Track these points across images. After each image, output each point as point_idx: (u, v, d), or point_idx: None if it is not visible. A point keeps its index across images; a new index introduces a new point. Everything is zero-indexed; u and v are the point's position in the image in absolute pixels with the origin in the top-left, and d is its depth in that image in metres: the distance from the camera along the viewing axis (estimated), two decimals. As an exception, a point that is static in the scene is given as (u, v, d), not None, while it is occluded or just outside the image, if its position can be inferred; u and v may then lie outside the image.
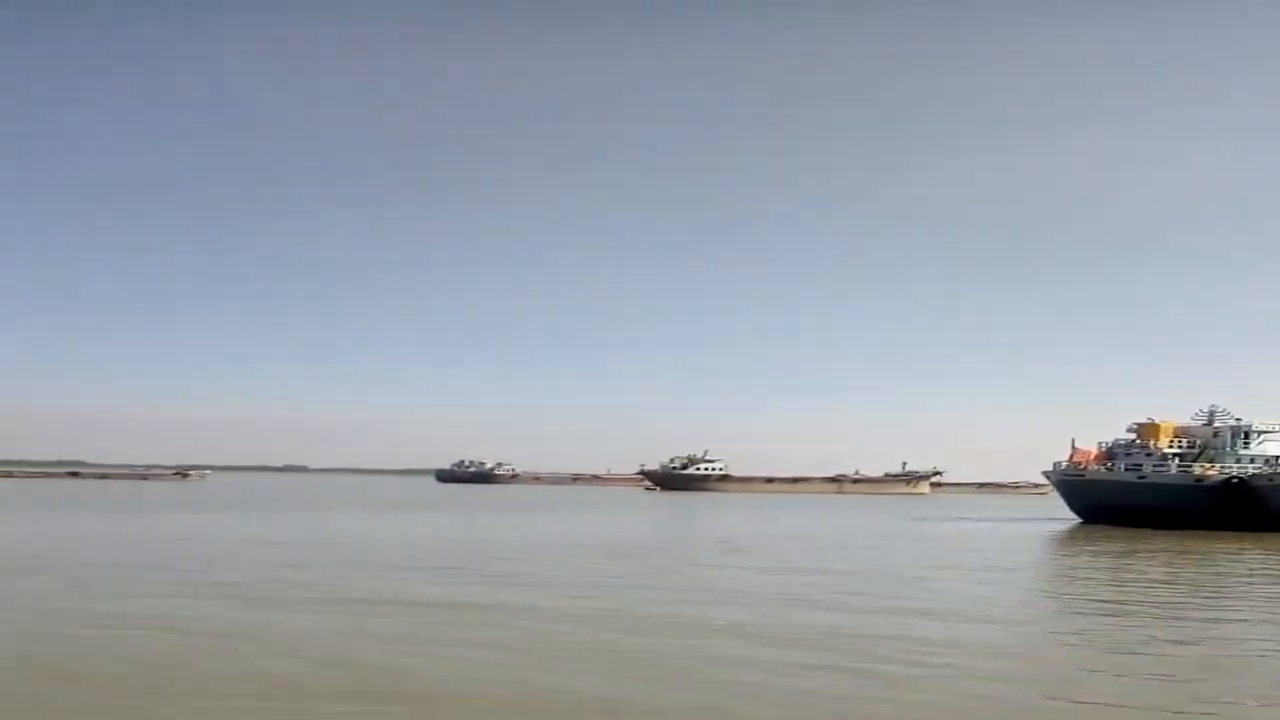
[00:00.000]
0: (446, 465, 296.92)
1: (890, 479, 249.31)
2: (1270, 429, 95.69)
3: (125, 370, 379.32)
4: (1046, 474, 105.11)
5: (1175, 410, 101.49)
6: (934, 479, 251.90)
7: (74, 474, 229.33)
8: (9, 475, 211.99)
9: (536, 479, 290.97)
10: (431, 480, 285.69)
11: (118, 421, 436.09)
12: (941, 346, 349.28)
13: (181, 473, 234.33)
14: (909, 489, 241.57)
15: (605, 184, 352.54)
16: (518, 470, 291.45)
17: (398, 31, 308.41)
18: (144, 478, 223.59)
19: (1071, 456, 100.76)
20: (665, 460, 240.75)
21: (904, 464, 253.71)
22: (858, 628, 26.67)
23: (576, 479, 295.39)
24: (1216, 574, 47.05)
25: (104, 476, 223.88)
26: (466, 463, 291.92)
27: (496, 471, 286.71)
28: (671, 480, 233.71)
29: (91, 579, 34.69)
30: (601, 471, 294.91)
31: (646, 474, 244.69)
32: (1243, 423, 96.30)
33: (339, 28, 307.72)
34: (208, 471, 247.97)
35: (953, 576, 42.41)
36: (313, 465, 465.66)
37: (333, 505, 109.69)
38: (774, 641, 24.16)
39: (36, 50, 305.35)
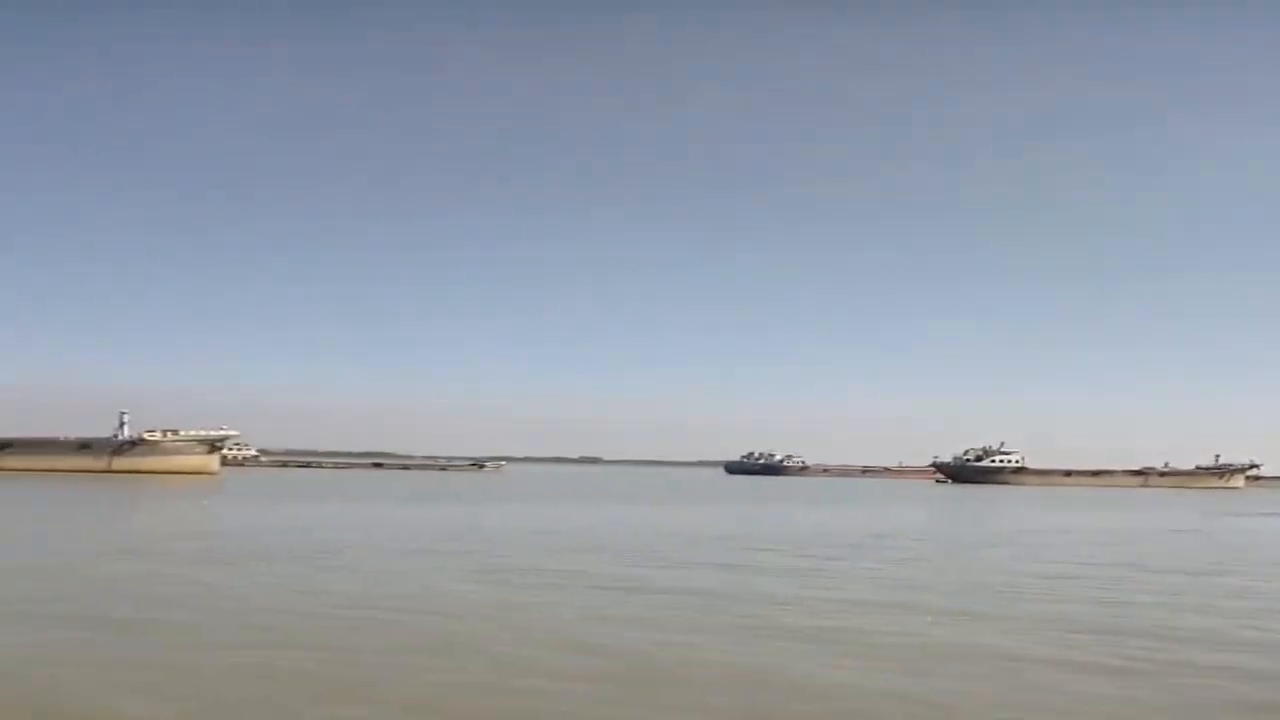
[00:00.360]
0: (735, 457, 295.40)
1: (1201, 472, 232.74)
2: None
3: (433, 372, 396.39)
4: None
5: None
6: (1249, 472, 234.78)
7: (378, 465, 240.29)
8: (319, 466, 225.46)
9: (825, 471, 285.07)
10: (720, 472, 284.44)
11: (422, 416, 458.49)
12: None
13: (479, 464, 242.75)
14: (1221, 483, 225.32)
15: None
16: (807, 462, 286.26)
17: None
18: (443, 469, 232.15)
19: None
20: (959, 452, 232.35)
21: (1217, 456, 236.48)
22: None
23: (866, 471, 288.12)
24: None
25: (405, 468, 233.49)
26: (755, 455, 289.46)
27: (785, 463, 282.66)
28: (964, 473, 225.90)
29: (362, 561, 33.92)
30: (893, 464, 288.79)
31: (938, 466, 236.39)
32: None
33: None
34: (503, 463, 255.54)
35: None
36: (607, 457, 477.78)
37: (622, 496, 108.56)
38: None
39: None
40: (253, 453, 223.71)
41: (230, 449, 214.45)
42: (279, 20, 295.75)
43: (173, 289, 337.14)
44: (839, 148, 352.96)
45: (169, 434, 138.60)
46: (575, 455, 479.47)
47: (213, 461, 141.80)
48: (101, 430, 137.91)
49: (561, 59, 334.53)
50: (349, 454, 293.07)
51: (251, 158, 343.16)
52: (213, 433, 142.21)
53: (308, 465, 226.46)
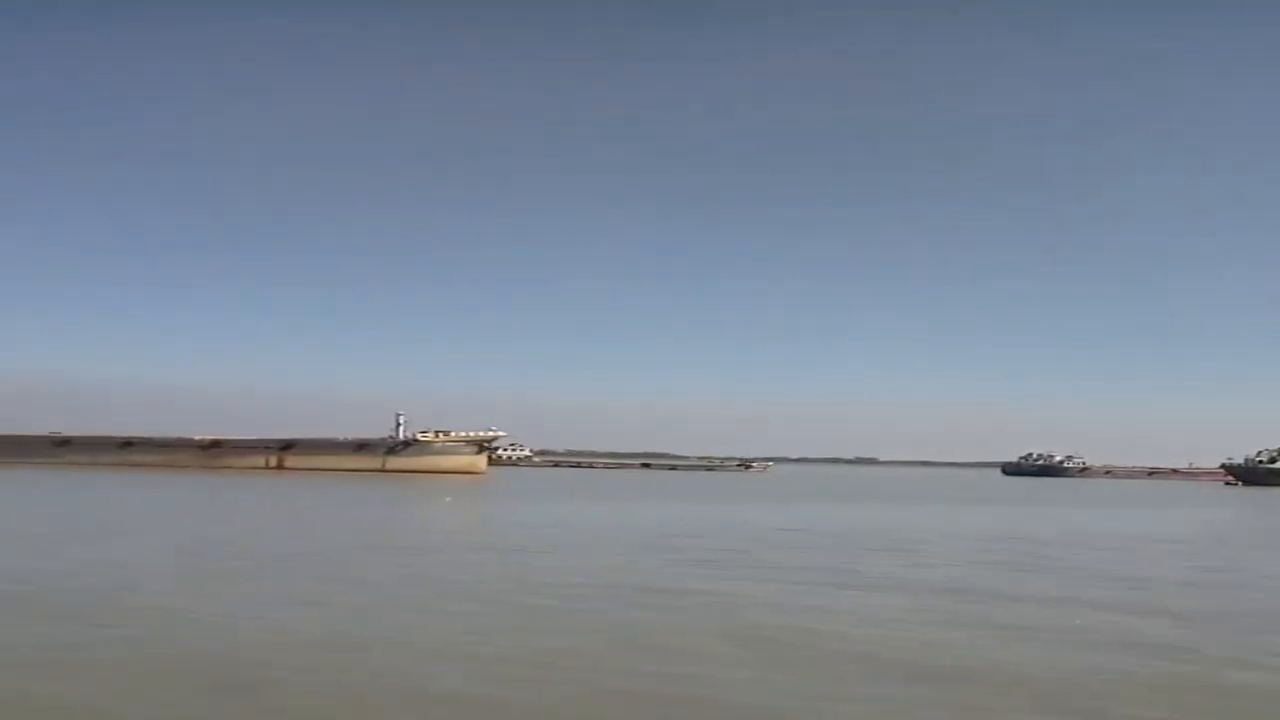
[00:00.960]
0: (1013, 458, 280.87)
1: None
2: None
3: (703, 371, 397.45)
4: None
5: None
6: None
7: (646, 465, 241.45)
8: (590, 466, 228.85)
9: (1108, 472, 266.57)
10: (997, 474, 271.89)
11: (694, 417, 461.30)
12: None
13: (746, 464, 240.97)
14: None
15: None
16: (1088, 463, 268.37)
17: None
18: (711, 469, 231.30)
19: None
20: (1250, 454, 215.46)
21: None
22: None
23: (1153, 473, 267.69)
24: None
25: (673, 468, 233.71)
26: (1034, 456, 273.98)
27: (1065, 465, 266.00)
28: (1254, 475, 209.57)
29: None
30: (1182, 465, 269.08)
31: (1228, 469, 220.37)
32: None
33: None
34: (770, 463, 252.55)
35: None
36: (883, 458, 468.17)
37: (882, 496, 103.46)
38: None
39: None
40: (526, 453, 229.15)
41: (505, 450, 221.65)
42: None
43: (449, 296, 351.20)
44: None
45: (440, 434, 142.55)
46: (851, 456, 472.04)
47: (480, 461, 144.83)
48: (377, 431, 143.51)
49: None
50: (620, 454, 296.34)
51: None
52: (482, 434, 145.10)
53: (578, 465, 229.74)
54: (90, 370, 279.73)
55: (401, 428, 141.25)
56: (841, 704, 15.35)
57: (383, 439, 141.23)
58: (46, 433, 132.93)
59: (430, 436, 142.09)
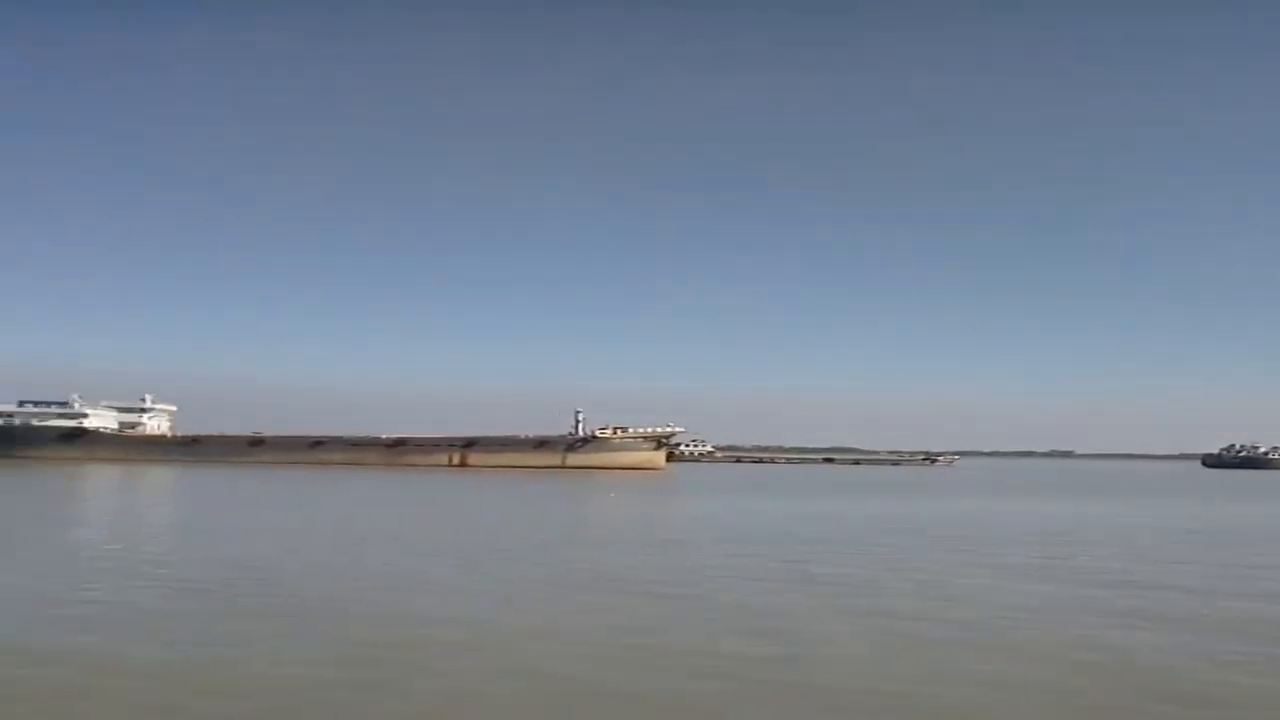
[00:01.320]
0: (1214, 450, 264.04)
1: None
2: None
3: (890, 366, 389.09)
4: None
5: None
6: None
7: (829, 460, 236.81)
8: (772, 461, 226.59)
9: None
10: (1197, 466, 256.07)
11: (877, 411, 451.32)
12: None
13: (930, 458, 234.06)
14: None
15: None
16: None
17: None
18: (895, 464, 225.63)
19: None
20: None
21: None
22: None
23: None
24: None
25: (856, 462, 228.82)
26: (1236, 447, 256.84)
27: (1270, 456, 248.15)
28: None
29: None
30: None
31: None
32: None
33: None
34: (955, 457, 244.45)
35: None
36: (1080, 450, 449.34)
37: (1063, 490, 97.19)
38: None
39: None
40: (709, 449, 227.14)
41: (687, 446, 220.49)
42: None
43: (634, 297, 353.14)
44: None
45: (618, 431, 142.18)
46: (1045, 449, 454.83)
47: (658, 457, 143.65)
48: (556, 429, 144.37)
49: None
50: (805, 449, 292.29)
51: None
52: (659, 430, 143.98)
53: (759, 461, 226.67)
54: (280, 374, 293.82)
55: (581, 425, 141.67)
56: None
57: (562, 436, 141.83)
58: (245, 434, 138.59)
59: (609, 433, 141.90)
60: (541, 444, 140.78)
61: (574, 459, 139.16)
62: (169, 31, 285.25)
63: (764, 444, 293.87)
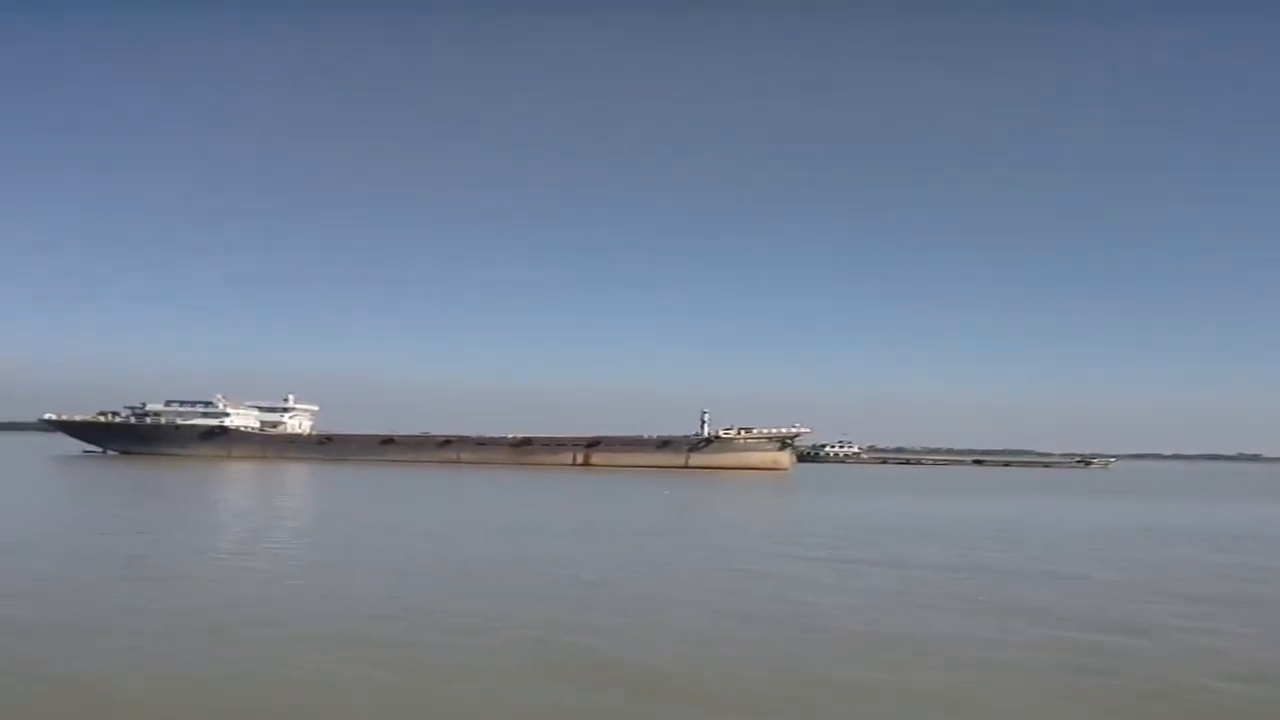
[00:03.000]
0: None
1: None
2: None
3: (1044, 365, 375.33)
4: None
5: None
6: None
7: (978, 462, 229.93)
8: (919, 463, 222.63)
9: None
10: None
11: (1048, 412, 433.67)
12: None
13: (1085, 461, 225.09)
14: None
15: None
16: None
17: None
18: (1047, 466, 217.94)
19: None
20: None
21: None
22: None
23: None
24: None
25: (1006, 464, 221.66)
26: None
27: None
28: None
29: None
30: None
31: None
32: None
33: None
34: (1112, 459, 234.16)
35: None
36: (1269, 454, 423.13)
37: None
38: None
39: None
40: (855, 450, 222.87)
41: (835, 446, 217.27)
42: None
43: (778, 298, 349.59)
44: None
45: (743, 431, 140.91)
46: (1232, 453, 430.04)
47: (783, 458, 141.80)
48: (681, 429, 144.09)
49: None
50: (951, 451, 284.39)
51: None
52: (784, 430, 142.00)
53: (906, 463, 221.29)
54: (409, 373, 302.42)
55: (706, 424, 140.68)
56: None
57: (686, 436, 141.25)
58: (377, 433, 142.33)
59: (733, 433, 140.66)
60: (665, 444, 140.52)
61: (697, 459, 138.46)
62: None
63: (928, 447, 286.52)
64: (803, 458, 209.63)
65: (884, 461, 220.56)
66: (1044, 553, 37.53)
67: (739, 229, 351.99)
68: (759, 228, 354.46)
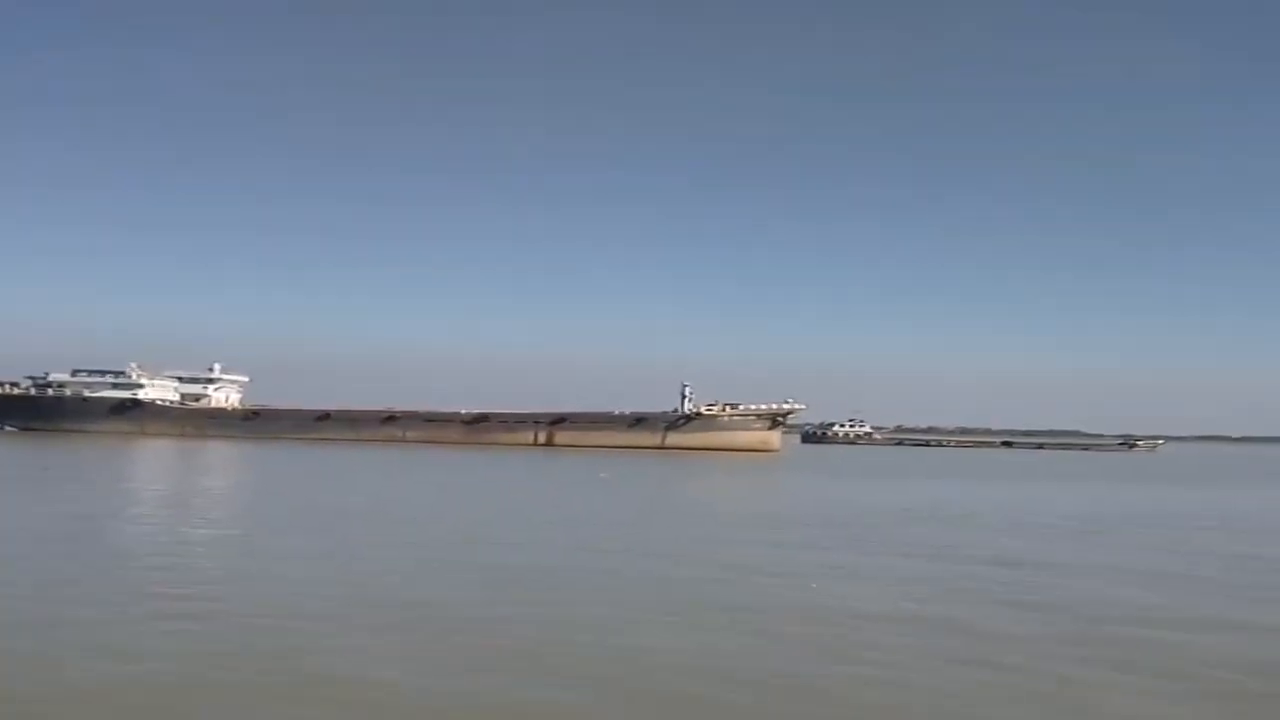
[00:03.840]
0: None
1: None
2: None
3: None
4: None
5: None
6: None
7: (1007, 444, 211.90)
8: (941, 445, 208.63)
9: None
10: None
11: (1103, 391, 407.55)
12: None
13: (1128, 443, 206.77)
14: None
15: None
16: None
17: None
18: (1085, 449, 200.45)
19: None
20: None
21: None
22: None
23: None
24: None
25: (1040, 446, 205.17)
26: None
27: None
28: None
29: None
30: None
31: None
32: None
33: None
34: (1159, 442, 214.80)
35: None
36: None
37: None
38: None
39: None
40: (867, 430, 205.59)
41: (845, 425, 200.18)
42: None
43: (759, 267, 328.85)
44: None
45: (728, 407, 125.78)
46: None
47: (772, 438, 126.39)
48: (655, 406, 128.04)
49: None
50: (989, 432, 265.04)
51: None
52: (774, 406, 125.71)
53: (926, 444, 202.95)
54: (348, 340, 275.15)
55: (687, 399, 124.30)
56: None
57: (663, 413, 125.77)
58: (312, 408, 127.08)
59: (717, 409, 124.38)
60: (638, 422, 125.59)
61: (675, 439, 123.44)
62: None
63: (944, 426, 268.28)
64: (807, 438, 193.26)
65: (899, 443, 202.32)
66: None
67: (747, 177, 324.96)
68: (771, 174, 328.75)
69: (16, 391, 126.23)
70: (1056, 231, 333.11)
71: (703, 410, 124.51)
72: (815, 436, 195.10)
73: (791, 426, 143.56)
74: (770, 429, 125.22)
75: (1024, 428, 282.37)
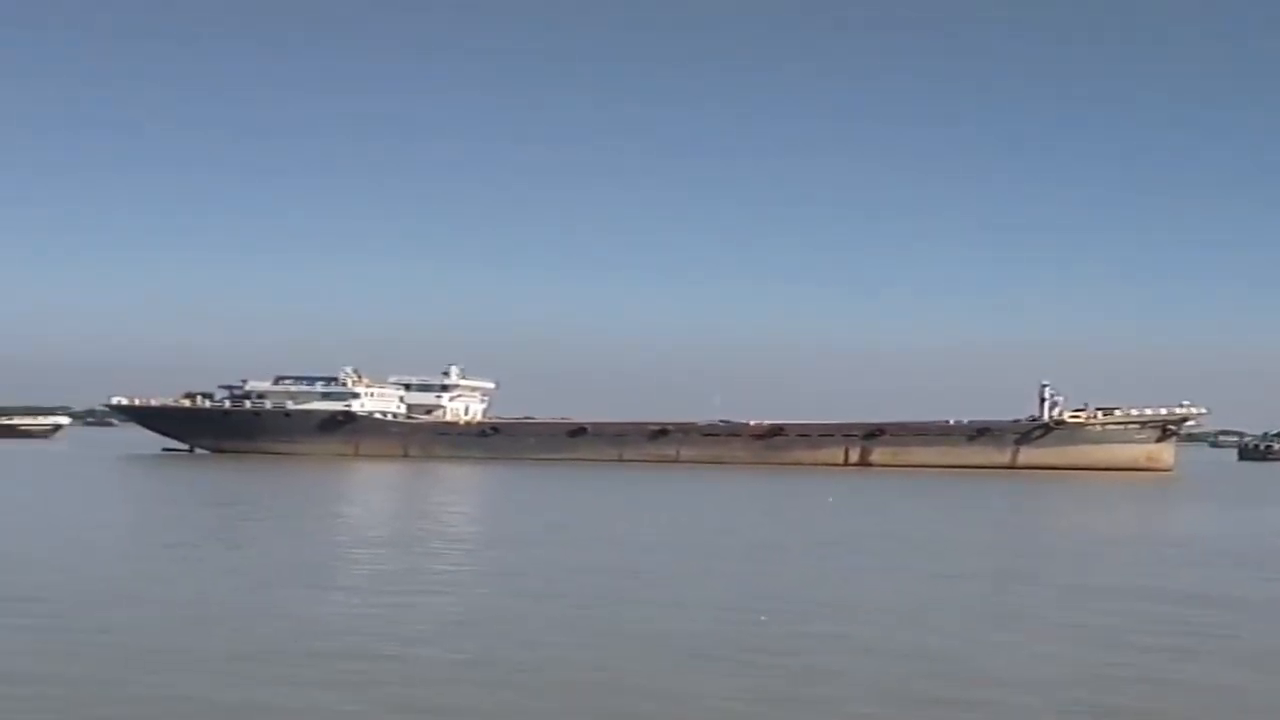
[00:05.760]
0: None
1: None
2: None
3: None
4: None
5: None
6: None
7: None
8: None
9: None
10: None
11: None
12: None
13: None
14: None
15: None
16: None
17: None
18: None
19: None
20: None
21: None
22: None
23: None
24: None
25: None
26: None
27: None
28: None
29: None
30: None
31: None
32: None
33: None
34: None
35: None
36: None
37: None
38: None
39: None
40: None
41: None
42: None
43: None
44: None
45: (1101, 413, 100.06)
46: None
47: (1163, 453, 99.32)
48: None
49: None
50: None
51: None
52: (1166, 412, 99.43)
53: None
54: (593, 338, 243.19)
55: (1047, 404, 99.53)
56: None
57: (1014, 421, 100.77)
58: (561, 419, 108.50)
59: (1085, 415, 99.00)
60: (980, 433, 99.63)
61: (1030, 455, 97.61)
62: None
63: None
64: (1245, 454, 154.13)
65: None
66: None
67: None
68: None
69: (209, 405, 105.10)
70: None
71: (1067, 418, 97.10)
72: (1254, 452, 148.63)
73: (1195, 437, 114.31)
74: (1160, 440, 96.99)
75: None
